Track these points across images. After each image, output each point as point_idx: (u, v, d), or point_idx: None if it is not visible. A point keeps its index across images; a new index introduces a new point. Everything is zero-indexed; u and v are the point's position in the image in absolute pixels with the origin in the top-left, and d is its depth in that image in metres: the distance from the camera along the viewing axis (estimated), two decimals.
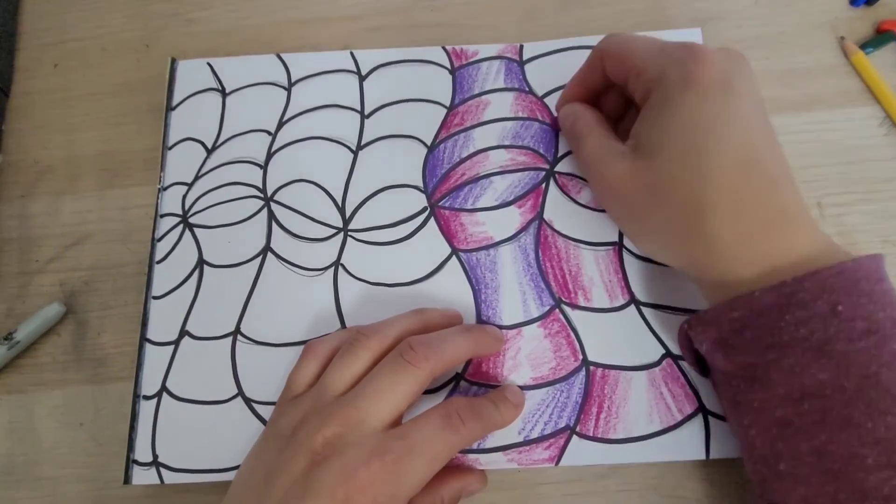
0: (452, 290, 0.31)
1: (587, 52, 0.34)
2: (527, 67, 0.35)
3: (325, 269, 0.32)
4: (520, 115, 0.34)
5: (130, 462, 0.29)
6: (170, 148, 0.35)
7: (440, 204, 0.32)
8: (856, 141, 0.33)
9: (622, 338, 0.29)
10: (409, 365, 0.25)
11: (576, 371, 0.29)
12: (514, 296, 0.31)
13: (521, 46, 0.35)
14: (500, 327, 0.30)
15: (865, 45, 0.34)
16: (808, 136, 0.33)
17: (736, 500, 0.28)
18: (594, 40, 0.35)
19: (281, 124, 0.35)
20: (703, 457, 0.27)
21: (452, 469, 0.27)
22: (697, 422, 0.28)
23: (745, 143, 0.23)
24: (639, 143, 0.25)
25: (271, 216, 0.33)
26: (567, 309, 0.30)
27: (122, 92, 0.37)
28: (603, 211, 0.32)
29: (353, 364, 0.26)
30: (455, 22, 0.37)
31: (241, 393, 0.30)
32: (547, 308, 0.30)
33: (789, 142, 0.33)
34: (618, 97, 0.31)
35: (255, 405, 0.30)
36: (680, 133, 0.24)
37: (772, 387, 0.22)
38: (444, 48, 0.36)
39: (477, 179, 0.33)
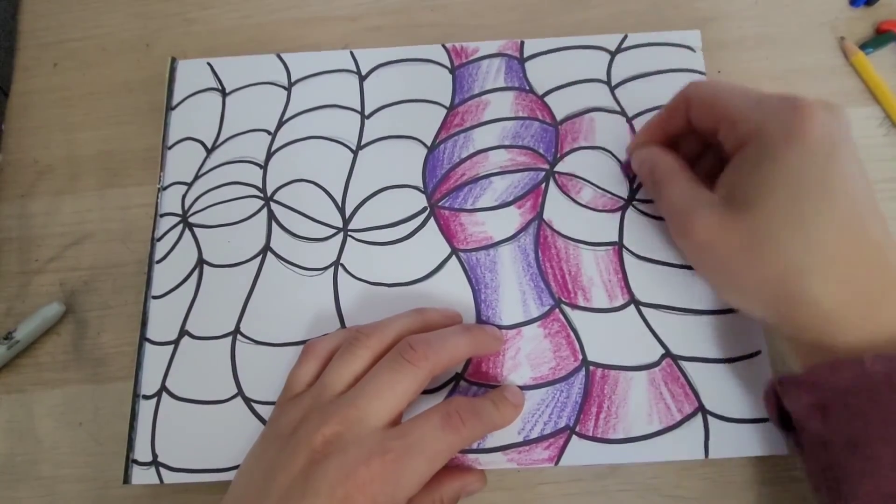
0: (452, 290, 0.31)
1: (588, 51, 0.34)
2: (527, 65, 0.35)
3: (325, 268, 0.32)
4: (520, 114, 0.34)
5: (130, 462, 0.29)
6: (170, 147, 0.35)
7: (440, 204, 0.32)
8: (856, 141, 0.33)
9: (622, 338, 0.29)
10: (409, 364, 0.25)
11: (575, 371, 0.29)
12: (513, 296, 0.31)
13: (522, 43, 0.35)
14: (500, 327, 0.30)
15: (865, 46, 0.34)
16: None
17: (735, 501, 0.28)
18: (596, 40, 0.35)
19: (281, 124, 0.35)
20: (702, 457, 0.27)
21: (452, 469, 0.27)
22: (697, 422, 0.28)
23: (849, 205, 0.22)
24: (732, 196, 0.24)
25: (271, 216, 0.33)
26: (567, 309, 0.30)
27: (122, 92, 0.37)
28: (603, 210, 0.32)
29: (353, 363, 0.26)
30: (455, 22, 0.37)
31: (240, 392, 0.30)
32: (547, 308, 0.30)
33: None
34: (695, 143, 0.29)
35: (254, 405, 0.30)
36: (781, 190, 0.23)
37: (880, 461, 0.21)
38: (443, 46, 0.36)
39: (477, 180, 0.33)
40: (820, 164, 0.22)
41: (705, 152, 0.29)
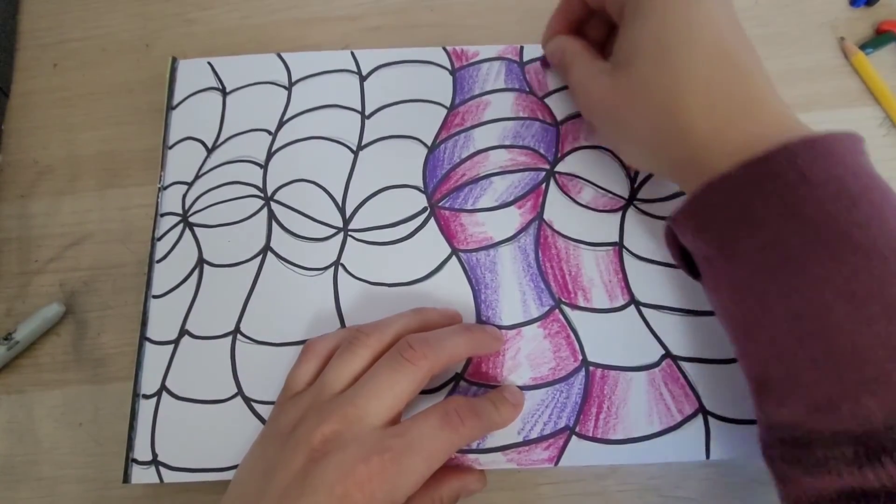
0: (452, 290, 0.31)
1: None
2: (527, 69, 0.35)
3: (325, 268, 0.32)
4: (520, 114, 0.34)
5: (130, 461, 0.29)
6: (170, 147, 0.35)
7: (440, 204, 0.32)
8: None
9: (622, 338, 0.29)
10: (408, 363, 0.25)
11: (575, 371, 0.29)
12: (513, 296, 0.31)
13: (522, 48, 0.36)
14: (500, 327, 0.30)
15: (865, 46, 0.34)
16: None
17: (735, 501, 0.28)
18: None
19: (281, 124, 0.35)
20: (703, 457, 0.27)
21: (451, 468, 0.27)
22: (697, 422, 0.28)
23: (713, 40, 0.24)
24: (617, 59, 0.27)
25: (271, 215, 0.33)
26: (567, 309, 0.30)
27: (121, 92, 0.37)
28: (603, 211, 0.32)
29: (353, 362, 0.26)
30: (455, 22, 0.37)
31: (240, 392, 0.30)
32: (547, 308, 0.30)
33: None
34: (601, 23, 0.32)
35: (254, 404, 0.30)
36: (651, 40, 0.25)
37: (749, 258, 0.23)
38: (444, 49, 0.36)
39: (477, 180, 0.33)
40: (683, 9, 0.24)
41: (613, 33, 0.31)
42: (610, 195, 0.32)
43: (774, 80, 0.34)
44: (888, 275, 0.20)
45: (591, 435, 0.28)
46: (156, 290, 0.32)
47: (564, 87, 0.35)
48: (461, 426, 0.25)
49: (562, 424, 0.28)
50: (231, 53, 0.37)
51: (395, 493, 0.23)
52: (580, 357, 0.29)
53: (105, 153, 0.36)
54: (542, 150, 0.33)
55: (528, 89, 0.35)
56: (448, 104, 0.35)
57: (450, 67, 0.35)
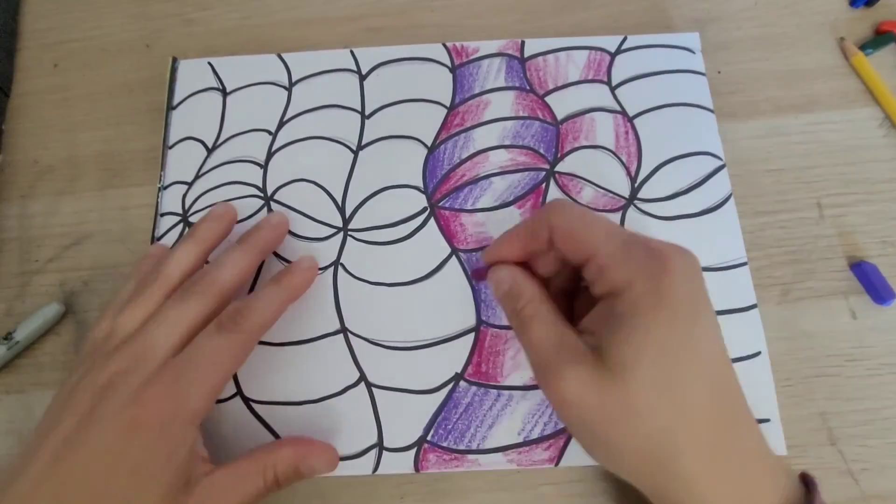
0: (452, 290, 0.31)
1: (588, 52, 0.34)
2: (528, 65, 0.35)
3: (325, 268, 0.32)
4: (520, 114, 0.34)
5: None
6: (170, 147, 0.35)
7: (440, 204, 0.32)
8: (855, 142, 0.33)
9: None
10: (194, 294, 0.26)
11: None
12: None
13: (523, 42, 0.36)
14: (500, 328, 0.30)
15: (865, 46, 0.34)
16: (807, 136, 0.33)
17: None
18: (596, 41, 0.35)
19: (281, 124, 0.35)
20: None
21: (292, 440, 0.27)
22: None
23: (714, 371, 0.22)
24: (601, 353, 0.22)
25: None
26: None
27: (122, 92, 0.37)
28: (604, 210, 0.32)
29: (142, 306, 0.26)
30: (455, 22, 0.37)
31: (239, 392, 0.30)
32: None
33: (789, 142, 0.33)
34: (554, 259, 0.26)
35: (253, 404, 0.30)
36: (654, 357, 0.21)
37: None
38: (444, 45, 0.36)
39: (477, 180, 0.33)
40: (686, 328, 0.21)
41: (563, 268, 0.27)
42: (610, 195, 0.32)
43: (774, 80, 0.34)
44: None
45: None
46: None
47: (564, 86, 0.35)
48: (236, 326, 0.25)
49: (562, 425, 0.28)
50: (231, 53, 0.37)
51: (184, 406, 0.24)
52: None
53: (105, 153, 0.36)
54: (541, 150, 0.33)
55: (528, 87, 0.35)
56: (448, 103, 0.35)
57: (450, 65, 0.35)
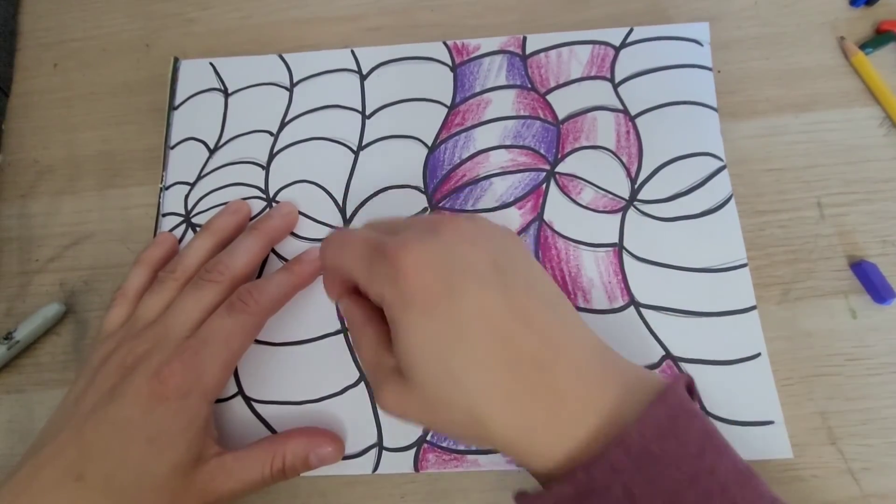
0: None
1: (592, 46, 0.34)
2: (530, 62, 0.35)
3: None
4: (521, 113, 0.34)
5: None
6: (172, 147, 0.35)
7: (440, 205, 0.32)
8: (856, 141, 0.33)
9: (622, 339, 0.29)
10: (209, 282, 0.28)
11: None
12: None
13: (525, 38, 0.36)
14: None
15: (865, 46, 0.34)
16: (808, 136, 0.33)
17: None
18: (600, 34, 0.35)
19: (283, 125, 0.35)
20: None
21: (302, 430, 0.28)
22: None
23: (492, 336, 0.21)
24: (400, 368, 0.23)
25: None
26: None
27: (122, 92, 0.37)
28: (604, 211, 0.32)
29: (163, 294, 0.28)
30: (455, 22, 0.37)
31: (240, 391, 0.30)
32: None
33: (789, 142, 0.33)
34: None
35: (254, 404, 0.30)
36: (422, 360, 0.21)
37: None
38: (444, 43, 0.36)
39: (477, 180, 0.33)
40: (443, 316, 0.21)
41: None
42: (610, 196, 0.32)
43: (774, 79, 0.34)
44: None
45: None
46: None
47: (566, 84, 0.35)
48: (247, 306, 0.27)
49: None
50: (231, 53, 0.37)
51: (200, 381, 0.25)
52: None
53: (105, 153, 0.36)
54: (542, 151, 0.33)
55: (529, 85, 0.35)
56: (449, 103, 0.35)
57: (450, 63, 0.35)
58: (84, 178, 0.35)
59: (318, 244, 0.30)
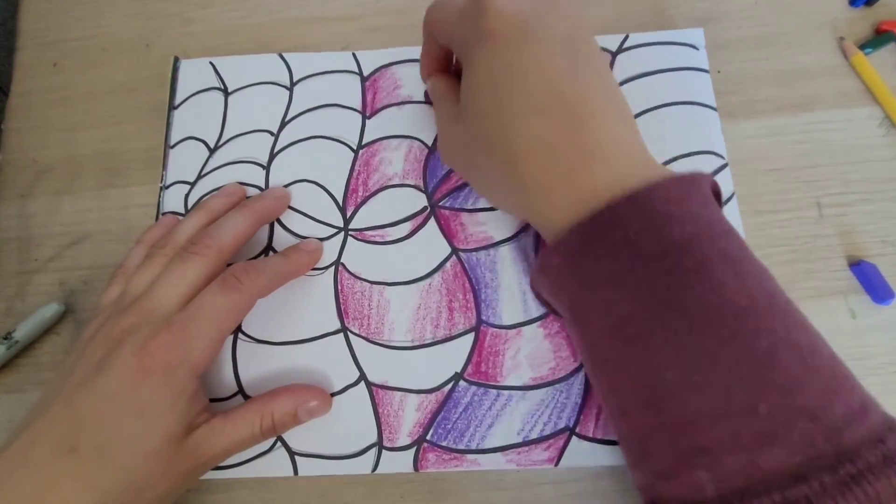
0: (452, 289, 0.31)
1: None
2: None
3: (326, 268, 0.32)
4: None
5: None
6: (172, 147, 0.35)
7: (441, 204, 0.32)
8: (855, 141, 0.33)
9: None
10: (195, 255, 0.28)
11: (575, 372, 0.29)
12: (514, 296, 0.31)
13: None
14: (500, 327, 0.30)
15: (865, 46, 0.34)
16: (808, 136, 0.33)
17: None
18: (598, 40, 0.34)
19: (283, 124, 0.35)
20: None
21: (290, 387, 0.29)
22: None
23: (548, 87, 0.23)
24: (462, 106, 0.26)
25: None
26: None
27: (121, 91, 0.37)
28: None
29: (152, 269, 0.28)
30: None
31: (241, 391, 0.30)
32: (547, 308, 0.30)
33: (789, 142, 0.33)
34: None
35: None
36: (479, 93, 0.24)
37: (590, 324, 0.22)
38: None
39: None
40: (510, 56, 0.23)
41: None
42: None
43: (774, 79, 0.34)
44: (711, 341, 0.19)
45: (591, 435, 0.28)
46: None
47: None
48: (239, 284, 0.27)
49: (562, 425, 0.28)
50: (231, 53, 0.37)
51: (188, 356, 0.26)
52: (580, 357, 0.29)
53: (105, 153, 0.36)
54: None
55: None
56: None
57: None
58: (83, 178, 0.35)
59: (315, 237, 0.32)
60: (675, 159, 0.32)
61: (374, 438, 0.29)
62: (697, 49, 0.34)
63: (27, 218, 0.35)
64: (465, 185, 0.33)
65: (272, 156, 0.34)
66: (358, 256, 0.32)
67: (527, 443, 0.28)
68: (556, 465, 0.28)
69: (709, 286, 0.20)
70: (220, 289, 0.27)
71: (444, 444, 0.29)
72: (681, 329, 0.20)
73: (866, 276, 0.30)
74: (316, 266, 0.32)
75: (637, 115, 0.33)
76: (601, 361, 0.22)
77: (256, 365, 0.30)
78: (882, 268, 0.30)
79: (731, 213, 0.31)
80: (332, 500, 0.29)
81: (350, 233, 0.32)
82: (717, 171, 0.32)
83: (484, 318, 0.30)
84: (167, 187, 0.34)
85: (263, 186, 0.34)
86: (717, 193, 0.24)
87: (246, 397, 0.30)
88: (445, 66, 0.31)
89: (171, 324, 0.26)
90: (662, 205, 0.21)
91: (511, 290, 0.31)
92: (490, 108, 0.24)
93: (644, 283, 0.20)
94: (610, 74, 0.25)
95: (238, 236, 0.30)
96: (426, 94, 0.34)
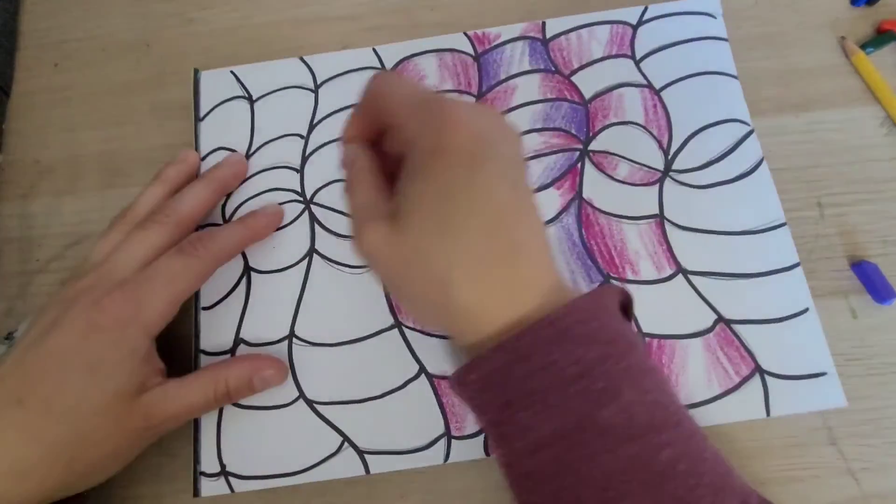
0: None
1: (611, 26, 0.35)
2: (551, 46, 0.35)
3: None
4: (548, 96, 0.34)
5: (198, 474, 0.29)
6: (203, 159, 0.35)
7: None
8: (856, 141, 0.33)
9: (673, 307, 0.30)
10: (155, 224, 0.29)
11: None
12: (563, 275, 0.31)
13: (544, 23, 0.36)
14: None
15: (866, 45, 0.34)
16: (808, 136, 0.33)
17: None
18: (618, 14, 0.35)
19: (312, 127, 0.35)
20: (763, 415, 0.28)
21: (244, 356, 0.30)
22: (755, 382, 0.29)
23: (493, 214, 0.22)
24: (396, 211, 0.24)
25: (313, 218, 0.33)
26: (617, 284, 0.30)
27: (122, 92, 0.37)
28: (641, 184, 0.32)
29: (111, 237, 0.29)
30: (455, 22, 0.37)
31: (302, 395, 0.30)
32: (597, 284, 0.30)
33: (789, 142, 0.33)
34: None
35: (317, 406, 0.30)
36: (428, 207, 0.23)
37: (512, 442, 0.22)
38: (465, 34, 0.36)
39: None
40: (463, 176, 0.22)
41: None
42: (646, 168, 0.33)
43: (774, 79, 0.34)
44: (622, 459, 0.20)
45: None
46: (204, 303, 0.32)
47: (589, 64, 0.35)
48: (195, 250, 0.28)
49: None
50: (231, 53, 0.37)
51: (140, 314, 0.26)
52: (636, 330, 0.30)
53: (106, 153, 0.36)
54: (573, 131, 0.33)
55: (553, 69, 0.35)
56: (476, 92, 0.35)
57: (473, 53, 0.36)
58: (84, 178, 0.35)
59: (276, 202, 0.33)
60: (701, 130, 0.33)
61: (441, 429, 0.29)
62: (715, 18, 0.35)
63: (28, 218, 0.35)
64: None
65: (304, 159, 0.34)
66: None
67: None
68: None
69: (617, 407, 0.21)
70: (177, 253, 0.28)
71: None
72: (596, 448, 0.20)
73: (867, 275, 0.30)
74: (362, 264, 0.32)
75: (661, 89, 0.34)
76: (520, 476, 0.22)
77: (315, 368, 0.30)
78: (883, 268, 0.30)
79: (764, 176, 0.32)
80: (332, 500, 0.29)
81: None
82: (743, 138, 0.32)
83: None
84: None
85: (299, 190, 0.34)
86: (625, 304, 0.24)
87: (308, 401, 0.30)
88: (373, 138, 0.28)
89: (125, 283, 0.26)
90: (579, 327, 0.22)
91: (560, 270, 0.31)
92: (436, 226, 0.22)
93: (561, 406, 0.21)
94: (532, 193, 0.26)
95: (197, 205, 0.31)
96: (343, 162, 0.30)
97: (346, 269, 0.32)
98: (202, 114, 0.35)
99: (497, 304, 0.23)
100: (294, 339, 0.31)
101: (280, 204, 0.33)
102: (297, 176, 0.34)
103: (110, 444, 0.26)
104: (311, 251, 0.32)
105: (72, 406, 0.25)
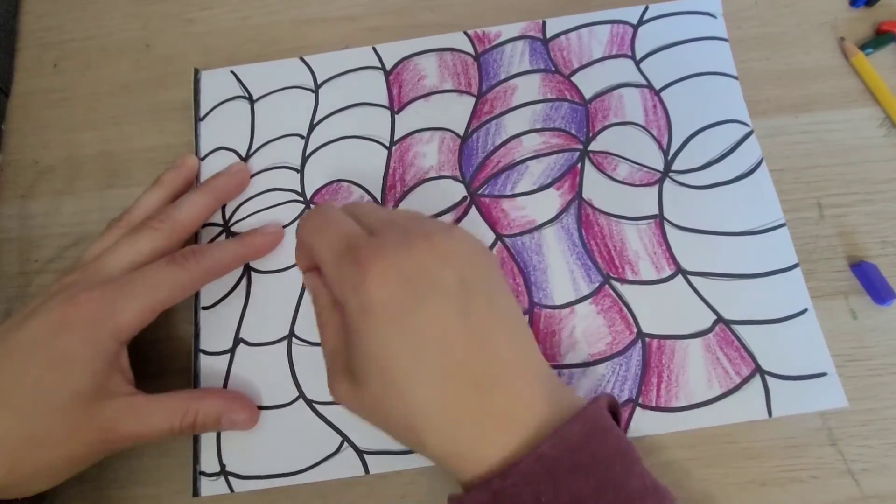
0: None
1: (611, 26, 0.35)
2: (551, 45, 0.35)
3: None
4: (548, 96, 0.34)
5: (198, 474, 0.29)
6: (203, 159, 0.34)
7: (480, 192, 0.33)
8: (856, 142, 0.33)
9: (673, 307, 0.30)
10: (150, 229, 0.28)
11: (632, 344, 0.29)
12: (562, 275, 0.31)
13: (544, 23, 0.36)
14: (553, 307, 0.30)
15: (865, 46, 0.34)
16: (808, 136, 0.33)
17: (734, 501, 0.28)
18: (619, 13, 0.35)
19: (312, 127, 0.35)
20: (765, 416, 0.28)
21: (220, 391, 0.29)
22: (756, 383, 0.28)
23: (440, 354, 0.22)
24: (351, 368, 0.24)
25: None
26: (616, 284, 0.31)
27: (122, 92, 0.37)
28: (640, 185, 0.32)
29: (105, 240, 0.29)
30: (455, 22, 0.37)
31: (302, 395, 0.30)
32: (596, 285, 0.31)
33: (789, 142, 0.33)
34: None
35: (317, 406, 0.30)
36: (374, 368, 0.22)
37: None
38: (465, 33, 0.36)
39: (513, 165, 0.33)
40: (398, 330, 0.22)
41: None
42: (645, 169, 0.33)
43: (774, 80, 0.34)
44: None
45: (654, 405, 0.28)
46: (205, 302, 0.32)
47: (589, 64, 0.35)
48: (186, 262, 0.28)
49: (625, 397, 0.29)
50: (231, 54, 0.37)
51: (115, 315, 0.26)
52: (635, 329, 0.30)
53: (105, 153, 0.36)
54: (573, 131, 0.34)
55: (553, 69, 0.35)
56: (476, 92, 0.35)
57: (473, 53, 0.36)
58: (84, 179, 0.35)
59: (276, 220, 0.32)
60: (701, 130, 0.33)
61: None
62: (715, 18, 0.35)
63: (28, 219, 0.35)
64: (502, 171, 0.33)
65: (305, 159, 0.34)
66: None
67: None
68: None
69: None
70: (167, 262, 0.27)
71: None
72: None
73: (867, 276, 0.30)
74: None
75: (662, 89, 0.34)
76: None
77: (315, 368, 0.30)
78: (883, 268, 0.30)
79: (763, 177, 0.32)
80: (332, 501, 0.29)
81: None
82: (743, 139, 0.32)
83: (536, 300, 0.30)
84: None
85: (299, 190, 0.33)
86: (615, 411, 0.23)
87: (308, 401, 0.30)
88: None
89: (106, 282, 0.26)
90: (569, 457, 0.21)
91: (559, 269, 0.31)
92: (385, 384, 0.22)
93: None
94: (509, 300, 0.24)
95: (194, 213, 0.30)
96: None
97: None
98: (202, 114, 0.35)
99: (474, 444, 0.22)
100: (294, 339, 0.31)
101: (280, 204, 0.33)
102: (298, 176, 0.34)
103: (61, 450, 0.25)
104: None
105: (27, 401, 0.24)
